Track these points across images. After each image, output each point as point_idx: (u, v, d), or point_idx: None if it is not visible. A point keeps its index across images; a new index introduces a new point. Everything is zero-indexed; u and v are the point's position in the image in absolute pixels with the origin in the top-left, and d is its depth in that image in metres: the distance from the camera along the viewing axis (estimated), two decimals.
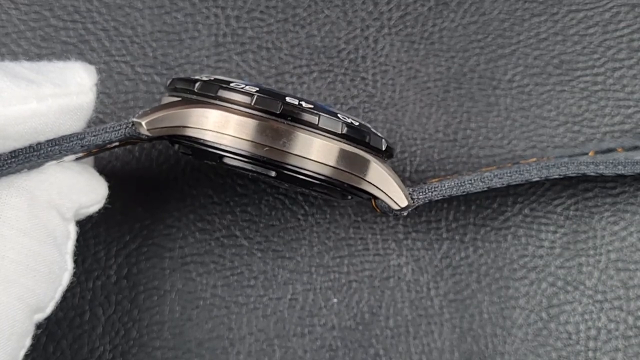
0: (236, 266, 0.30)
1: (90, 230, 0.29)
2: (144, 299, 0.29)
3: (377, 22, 0.32)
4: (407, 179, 0.31)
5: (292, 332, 0.30)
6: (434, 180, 0.26)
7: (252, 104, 0.22)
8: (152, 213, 0.30)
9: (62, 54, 0.30)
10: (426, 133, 0.31)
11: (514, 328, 0.30)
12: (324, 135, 0.23)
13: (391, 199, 0.24)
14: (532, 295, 0.30)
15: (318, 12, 0.32)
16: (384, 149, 0.24)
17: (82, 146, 0.22)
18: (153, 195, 0.30)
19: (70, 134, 0.22)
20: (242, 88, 0.22)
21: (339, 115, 0.24)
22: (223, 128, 0.22)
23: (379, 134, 0.25)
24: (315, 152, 0.22)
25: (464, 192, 0.25)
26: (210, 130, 0.22)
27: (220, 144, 0.22)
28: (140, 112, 0.22)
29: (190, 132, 0.22)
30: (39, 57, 0.30)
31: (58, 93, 0.22)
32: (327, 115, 0.23)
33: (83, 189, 0.24)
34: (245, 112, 0.22)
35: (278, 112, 0.22)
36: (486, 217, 0.30)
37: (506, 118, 0.31)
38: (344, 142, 0.23)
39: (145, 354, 0.29)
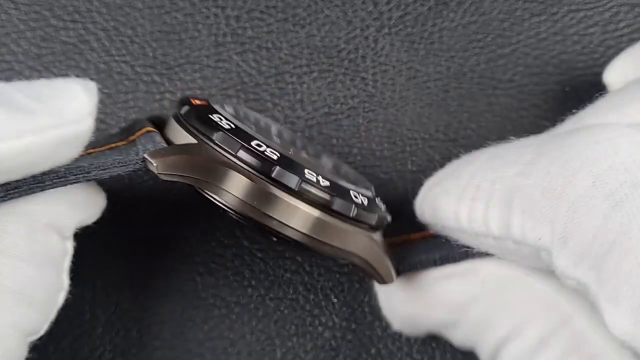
0: (237, 266, 0.30)
1: (90, 231, 0.29)
2: (144, 299, 0.29)
3: (377, 21, 0.32)
4: (407, 179, 0.31)
5: (292, 332, 0.30)
6: (416, 236, 0.27)
7: (273, 175, 0.22)
8: (152, 213, 0.30)
9: (61, 54, 0.30)
10: (426, 133, 0.31)
11: None
12: (335, 217, 0.23)
13: (380, 277, 0.25)
14: None
15: (318, 11, 0.32)
16: (388, 222, 0.25)
17: (87, 179, 0.22)
18: (152, 196, 0.30)
19: (76, 167, 0.21)
20: (264, 152, 0.22)
21: (351, 193, 0.24)
22: (236, 191, 0.22)
23: (382, 208, 0.25)
24: (326, 234, 0.23)
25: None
26: (223, 190, 0.22)
27: (229, 204, 0.22)
28: (153, 149, 0.22)
29: (204, 186, 0.22)
30: (38, 56, 0.30)
31: (55, 123, 0.20)
32: (340, 199, 0.23)
33: (83, 205, 0.23)
34: (264, 180, 0.22)
35: (295, 189, 0.22)
36: None
37: (506, 118, 0.31)
38: (354, 225, 0.23)
39: (145, 354, 0.29)
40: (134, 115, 0.30)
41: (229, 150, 0.22)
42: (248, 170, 0.22)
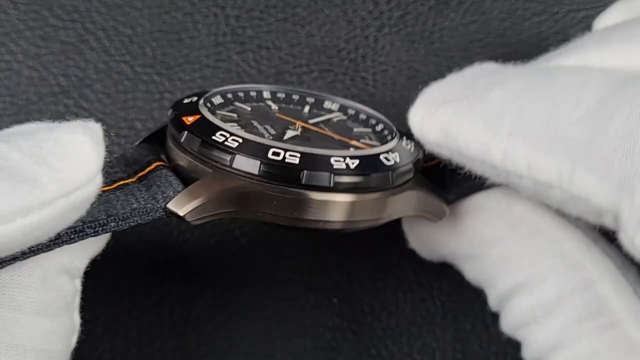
0: (236, 265, 0.30)
1: None
2: (143, 299, 0.29)
3: (377, 21, 0.32)
4: None
5: (292, 332, 0.30)
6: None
7: (303, 182, 0.21)
8: None
9: (61, 53, 0.30)
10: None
11: None
12: (373, 191, 0.22)
13: (432, 219, 0.24)
14: None
15: (318, 11, 0.32)
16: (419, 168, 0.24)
17: (105, 231, 0.21)
18: None
19: (93, 220, 0.20)
20: (284, 159, 0.21)
21: (382, 158, 0.22)
22: (273, 210, 0.21)
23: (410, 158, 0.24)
24: (371, 210, 0.22)
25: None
26: (260, 213, 0.22)
27: (269, 221, 0.22)
28: (173, 196, 0.21)
29: (239, 215, 0.22)
30: (37, 56, 0.30)
31: (64, 192, 0.18)
32: (376, 174, 0.22)
33: (92, 242, 0.22)
34: (296, 189, 0.21)
35: (330, 186, 0.21)
36: None
37: None
38: (393, 189, 0.22)
39: (145, 354, 0.29)
40: (133, 115, 0.30)
41: (251, 173, 0.21)
42: (277, 186, 0.21)
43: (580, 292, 0.22)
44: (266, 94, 0.26)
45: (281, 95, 0.27)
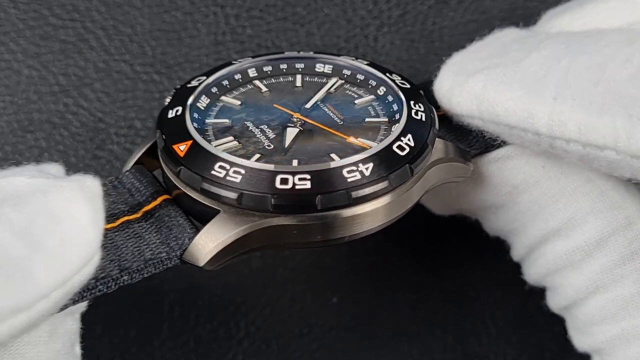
0: (235, 265, 0.30)
1: None
2: (143, 298, 0.29)
3: (376, 20, 0.31)
4: None
5: (291, 332, 0.30)
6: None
7: (319, 208, 0.20)
8: None
9: (60, 53, 0.30)
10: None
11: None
12: (396, 190, 0.21)
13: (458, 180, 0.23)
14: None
15: (317, 10, 0.31)
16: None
17: (118, 285, 0.19)
18: None
19: (105, 277, 0.19)
20: (295, 185, 0.20)
21: (394, 148, 0.21)
22: (295, 238, 0.20)
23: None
24: (394, 209, 0.21)
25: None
26: (281, 244, 0.21)
27: (294, 247, 0.21)
28: (188, 241, 0.20)
29: (260, 250, 0.21)
30: (37, 55, 0.30)
31: (60, 281, 0.16)
32: (395, 173, 0.20)
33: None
34: (314, 216, 0.20)
35: (350, 203, 0.20)
36: None
37: None
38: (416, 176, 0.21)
39: (145, 354, 0.29)
40: (133, 114, 0.30)
41: (263, 208, 0.20)
42: (294, 216, 0.20)
43: (622, 231, 0.22)
44: (252, 73, 0.25)
45: (268, 69, 0.25)
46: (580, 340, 0.24)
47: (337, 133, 0.22)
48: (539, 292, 0.28)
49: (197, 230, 0.20)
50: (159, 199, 0.21)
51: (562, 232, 0.22)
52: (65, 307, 0.18)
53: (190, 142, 0.21)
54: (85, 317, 0.28)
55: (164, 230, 0.20)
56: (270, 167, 0.20)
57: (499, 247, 0.30)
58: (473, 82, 0.22)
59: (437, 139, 0.22)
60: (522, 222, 0.23)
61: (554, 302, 0.24)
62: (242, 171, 0.20)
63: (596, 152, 0.19)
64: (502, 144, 0.23)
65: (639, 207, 0.22)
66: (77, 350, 0.22)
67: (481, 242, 0.30)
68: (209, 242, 0.20)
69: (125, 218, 0.21)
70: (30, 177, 0.18)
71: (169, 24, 0.31)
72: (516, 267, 0.28)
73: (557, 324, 0.28)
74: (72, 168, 0.29)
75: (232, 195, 0.20)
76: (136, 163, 0.23)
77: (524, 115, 0.20)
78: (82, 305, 0.21)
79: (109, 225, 0.20)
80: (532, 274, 0.24)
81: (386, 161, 0.20)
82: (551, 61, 0.20)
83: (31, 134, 0.29)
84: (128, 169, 0.23)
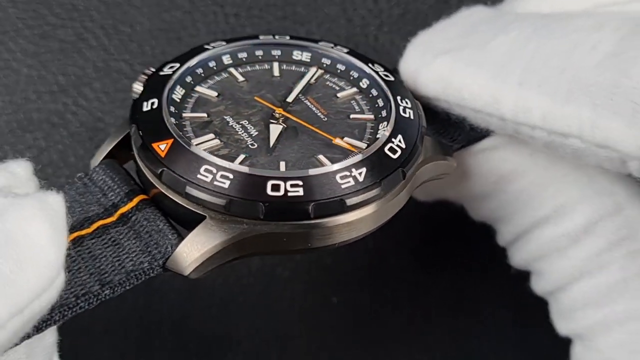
0: (235, 265, 0.30)
1: None
2: (144, 298, 0.29)
3: (377, 19, 0.31)
4: None
5: (291, 331, 0.30)
6: None
7: (312, 216, 0.19)
8: None
9: (59, 52, 0.30)
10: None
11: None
12: (391, 193, 0.20)
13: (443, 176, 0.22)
14: None
15: (317, 9, 0.31)
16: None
17: (100, 300, 0.18)
18: None
19: (87, 292, 0.18)
20: (287, 192, 0.19)
21: (386, 150, 0.20)
22: (285, 246, 0.19)
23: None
24: (388, 210, 0.21)
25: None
26: (270, 252, 0.20)
27: (284, 254, 0.21)
28: (171, 248, 0.19)
29: (248, 257, 0.20)
30: (36, 54, 0.30)
31: (15, 311, 0.15)
32: (387, 180, 0.20)
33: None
34: (307, 224, 0.19)
35: (345, 210, 0.19)
36: None
37: None
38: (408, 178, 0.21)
39: (145, 354, 0.29)
40: None
41: (254, 215, 0.19)
42: (285, 224, 0.19)
43: (610, 217, 0.22)
44: (227, 60, 0.23)
45: (243, 56, 0.24)
46: (562, 325, 0.24)
47: (322, 133, 0.21)
48: None
49: (179, 236, 0.19)
50: (135, 200, 0.20)
51: (551, 219, 0.22)
52: (42, 329, 0.17)
53: (171, 140, 0.20)
54: (85, 317, 0.28)
55: (144, 236, 0.19)
56: (260, 172, 0.19)
57: (497, 246, 0.30)
58: (439, 63, 0.21)
59: (426, 137, 0.22)
60: (510, 211, 0.23)
61: (539, 286, 0.24)
62: (230, 175, 0.19)
63: (561, 140, 0.19)
64: (487, 134, 0.22)
65: (628, 192, 0.22)
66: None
67: (481, 242, 0.30)
68: (194, 251, 0.19)
69: (101, 222, 0.20)
70: None
71: (169, 23, 0.31)
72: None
73: None
74: (71, 168, 0.29)
75: (221, 201, 0.19)
76: (106, 156, 0.22)
77: (489, 100, 0.20)
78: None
79: (84, 232, 0.19)
80: (518, 259, 0.24)
81: (379, 165, 0.20)
82: (518, 45, 0.20)
83: (30, 134, 0.29)
84: (97, 164, 0.21)
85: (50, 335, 0.20)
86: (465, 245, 0.31)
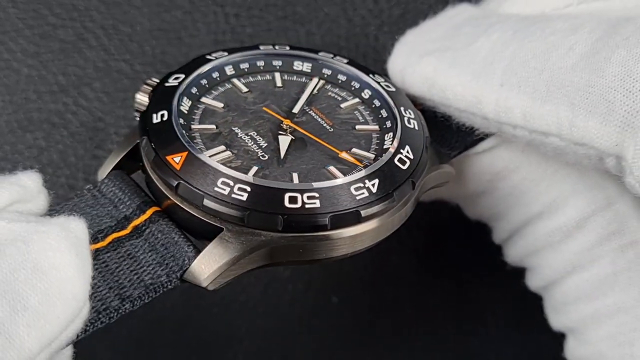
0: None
1: None
2: None
3: (377, 19, 0.31)
4: None
5: (292, 331, 0.30)
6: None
7: (329, 228, 0.19)
8: None
9: (60, 52, 0.30)
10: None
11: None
12: (400, 203, 0.21)
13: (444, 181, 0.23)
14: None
15: (317, 9, 0.31)
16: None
17: (120, 314, 0.19)
18: None
19: (106, 309, 0.18)
20: (304, 204, 0.19)
21: (396, 162, 0.21)
22: (299, 257, 0.20)
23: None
24: (397, 219, 0.21)
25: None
26: (284, 262, 0.20)
27: (298, 266, 0.21)
28: (189, 261, 0.19)
29: (263, 267, 0.20)
30: (37, 54, 0.30)
31: (44, 344, 0.15)
32: (399, 189, 0.20)
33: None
34: (322, 236, 0.19)
35: (359, 221, 0.20)
36: None
37: None
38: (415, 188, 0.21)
39: (145, 353, 0.29)
40: (132, 114, 0.30)
41: (272, 228, 0.19)
42: (302, 236, 0.19)
43: (601, 212, 0.22)
44: (229, 70, 0.24)
45: (245, 66, 0.24)
46: (556, 319, 0.25)
47: (329, 146, 0.22)
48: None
49: (195, 248, 0.19)
50: (148, 212, 0.20)
51: (544, 214, 0.23)
52: (63, 347, 0.17)
53: (186, 153, 0.20)
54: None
55: (159, 248, 0.19)
56: (278, 184, 0.19)
57: (498, 247, 0.30)
58: (424, 64, 0.22)
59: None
60: (504, 207, 0.24)
61: (533, 282, 0.25)
62: (248, 188, 0.19)
63: (541, 138, 0.20)
64: (483, 138, 0.23)
65: (619, 187, 0.22)
66: None
67: (481, 242, 0.30)
68: (212, 263, 0.19)
69: (115, 235, 0.20)
70: (10, 221, 0.17)
71: (169, 23, 0.31)
72: (516, 267, 0.28)
73: None
74: (71, 168, 0.29)
75: (239, 214, 0.19)
76: (116, 167, 0.22)
77: (472, 100, 0.21)
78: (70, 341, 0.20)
79: (98, 245, 0.19)
80: (513, 255, 0.25)
81: (390, 177, 0.20)
82: (499, 47, 0.21)
83: (30, 134, 0.29)
84: (105, 175, 0.22)
85: (68, 349, 0.19)
86: (466, 246, 0.31)
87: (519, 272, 0.27)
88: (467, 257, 0.31)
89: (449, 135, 0.23)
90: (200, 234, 0.20)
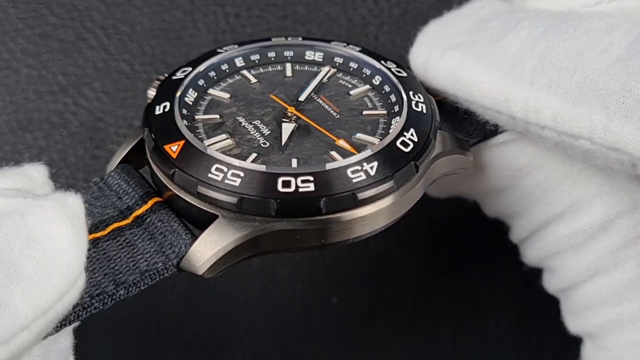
0: (235, 265, 0.30)
1: None
2: (143, 298, 0.29)
3: (377, 19, 0.31)
4: None
5: (292, 331, 0.30)
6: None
7: (324, 211, 0.19)
8: None
9: (60, 52, 0.30)
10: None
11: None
12: (405, 187, 0.20)
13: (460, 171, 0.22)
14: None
15: (318, 9, 0.31)
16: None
17: (114, 300, 0.18)
18: None
19: (100, 293, 0.18)
20: (298, 188, 0.18)
21: (398, 144, 0.20)
22: (297, 243, 0.19)
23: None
24: (404, 204, 0.20)
25: None
26: (284, 249, 0.20)
27: (297, 252, 0.20)
28: (185, 248, 0.19)
29: (262, 255, 0.20)
30: (37, 54, 0.30)
31: (39, 312, 0.15)
32: (400, 172, 0.19)
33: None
34: (320, 220, 0.19)
35: (357, 205, 0.19)
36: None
37: None
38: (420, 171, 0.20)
39: (145, 353, 0.29)
40: (132, 114, 0.30)
41: (265, 213, 0.19)
42: (297, 220, 0.19)
43: (627, 214, 0.21)
44: (239, 62, 0.24)
45: (255, 57, 0.24)
46: (573, 323, 0.24)
47: (328, 134, 0.21)
48: (539, 290, 0.28)
49: (193, 236, 0.19)
50: (150, 202, 0.20)
51: (567, 215, 0.22)
52: (57, 329, 0.17)
53: (183, 142, 0.20)
54: (86, 317, 0.28)
55: (158, 237, 0.19)
56: (271, 169, 0.19)
57: (499, 246, 0.30)
58: (448, 58, 0.21)
59: (439, 131, 0.22)
60: (525, 205, 0.23)
61: (552, 284, 0.24)
62: (241, 174, 0.19)
63: (571, 141, 0.19)
64: (503, 129, 0.22)
65: None
66: None
67: (482, 242, 0.30)
68: (207, 250, 0.19)
69: (116, 225, 0.20)
70: (7, 197, 0.17)
71: (169, 23, 0.31)
72: (516, 266, 0.28)
73: (558, 323, 0.28)
74: (71, 167, 0.29)
75: (232, 199, 0.19)
76: (122, 161, 0.22)
77: (499, 98, 0.20)
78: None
79: (99, 234, 0.19)
80: (531, 255, 0.24)
81: (391, 159, 0.20)
82: (529, 45, 0.20)
83: (30, 134, 0.29)
84: (113, 168, 0.22)
85: (65, 339, 0.20)
86: (467, 245, 0.31)
87: (519, 272, 0.27)
88: (467, 257, 0.31)
89: (467, 123, 0.23)
90: (199, 223, 0.20)
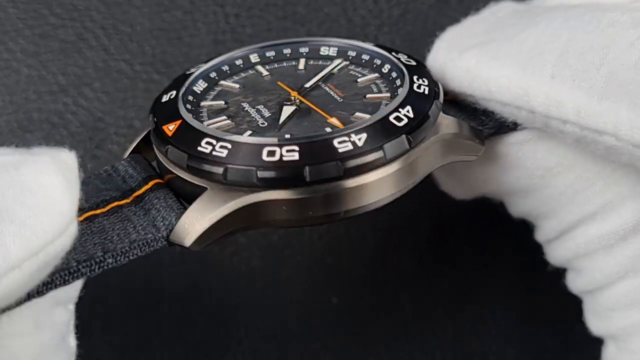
0: (235, 264, 0.30)
1: None
2: (142, 298, 0.29)
3: (377, 20, 0.31)
4: None
5: (291, 331, 0.30)
6: None
7: (308, 179, 0.18)
8: None
9: (60, 52, 0.30)
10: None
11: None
12: (399, 159, 0.20)
13: (469, 158, 0.22)
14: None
15: (318, 9, 0.31)
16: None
17: (102, 268, 0.18)
18: None
19: (89, 258, 0.18)
20: (282, 156, 0.18)
21: (393, 117, 0.20)
22: (285, 215, 0.19)
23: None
24: (406, 176, 0.20)
25: None
26: (273, 221, 0.19)
27: (286, 226, 0.20)
28: (175, 221, 0.19)
29: (251, 229, 0.20)
30: (36, 54, 0.30)
31: (30, 252, 0.16)
32: (392, 141, 0.19)
33: None
34: (306, 187, 0.19)
35: (341, 175, 0.19)
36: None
37: None
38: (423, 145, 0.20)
39: (145, 353, 0.29)
40: (132, 114, 0.30)
41: (249, 182, 0.19)
42: (282, 190, 0.19)
43: None
44: (254, 58, 0.24)
45: (271, 54, 0.24)
46: (597, 325, 0.24)
47: (321, 112, 0.21)
48: (540, 291, 0.28)
49: (185, 210, 0.19)
50: (150, 183, 0.21)
51: (598, 215, 0.21)
52: (46, 288, 0.17)
53: (180, 121, 0.20)
54: (85, 316, 0.28)
55: (153, 212, 0.20)
56: (258, 139, 0.19)
57: (499, 246, 0.30)
58: (465, 58, 0.21)
59: (446, 115, 0.21)
60: (554, 206, 0.22)
61: (577, 285, 0.24)
62: (229, 145, 0.19)
63: (594, 136, 0.19)
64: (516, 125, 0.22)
65: None
66: (71, 342, 0.21)
67: (482, 241, 0.30)
68: (194, 221, 0.19)
69: (116, 203, 0.20)
70: (3, 154, 0.18)
71: (169, 23, 0.31)
72: (517, 266, 0.29)
73: (558, 323, 0.28)
74: None
75: (218, 170, 0.19)
76: (136, 152, 0.23)
77: (518, 92, 0.20)
78: (74, 296, 0.21)
79: (99, 211, 0.20)
80: (558, 256, 0.24)
81: (381, 131, 0.19)
82: (548, 37, 0.20)
83: (30, 134, 0.29)
84: (125, 157, 0.22)
85: (63, 313, 0.20)
86: (468, 245, 0.31)
87: (520, 273, 0.27)
88: (468, 257, 0.31)
89: (483, 116, 0.23)
90: (192, 199, 0.20)
